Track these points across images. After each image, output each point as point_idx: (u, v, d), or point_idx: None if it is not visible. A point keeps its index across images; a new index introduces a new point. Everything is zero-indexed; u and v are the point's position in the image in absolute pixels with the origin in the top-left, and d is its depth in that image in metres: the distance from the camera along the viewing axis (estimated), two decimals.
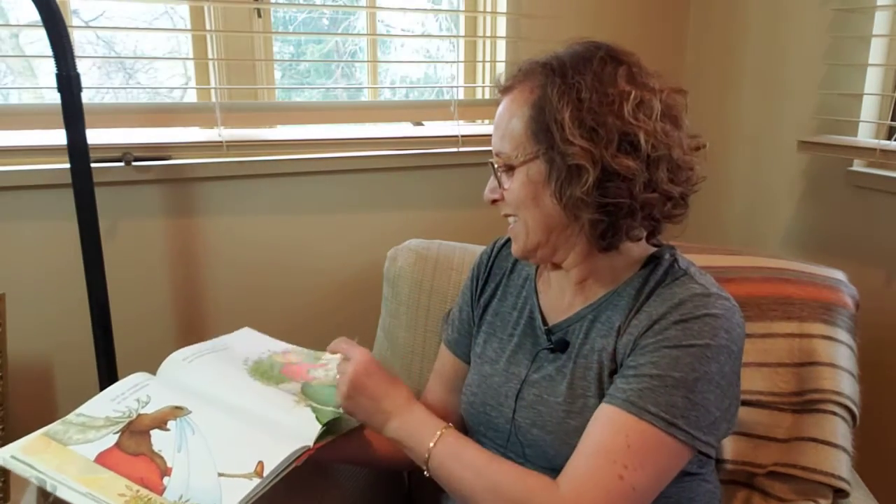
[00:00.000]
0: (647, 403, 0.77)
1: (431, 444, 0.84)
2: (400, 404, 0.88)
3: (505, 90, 0.89)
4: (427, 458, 0.84)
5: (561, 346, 0.90)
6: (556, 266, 0.92)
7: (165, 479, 0.78)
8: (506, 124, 0.87)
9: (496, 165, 0.89)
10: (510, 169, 0.87)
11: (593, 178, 0.79)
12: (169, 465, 0.80)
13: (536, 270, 0.99)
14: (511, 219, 0.90)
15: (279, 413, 0.88)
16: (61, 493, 0.78)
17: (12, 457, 0.82)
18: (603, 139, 0.79)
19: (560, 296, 0.93)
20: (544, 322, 0.94)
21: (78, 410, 0.88)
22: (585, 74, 0.81)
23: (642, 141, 0.79)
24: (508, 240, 1.05)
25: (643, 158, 0.80)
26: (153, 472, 0.79)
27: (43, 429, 0.86)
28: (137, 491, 0.77)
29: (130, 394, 0.90)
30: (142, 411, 0.87)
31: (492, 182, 0.91)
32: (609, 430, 0.79)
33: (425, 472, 0.85)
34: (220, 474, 0.79)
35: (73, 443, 0.83)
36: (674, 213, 0.85)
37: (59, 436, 0.84)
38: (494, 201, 0.91)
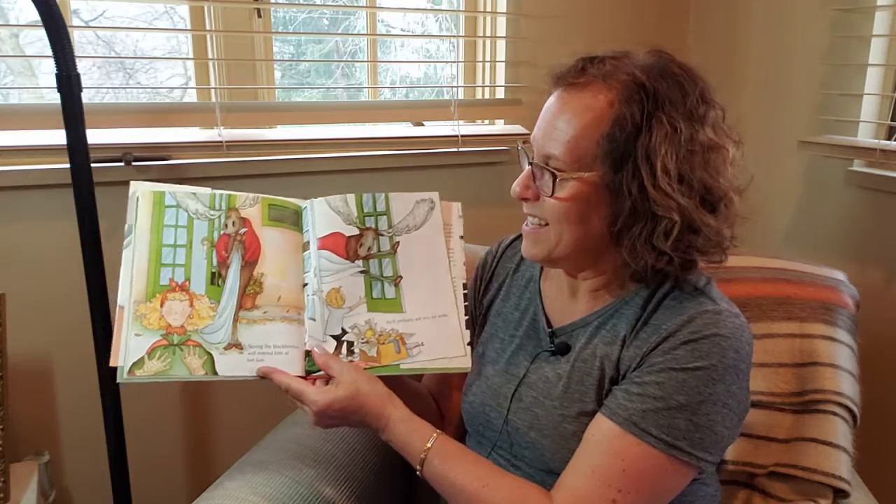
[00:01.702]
0: (650, 425, 0.77)
1: (419, 468, 0.85)
2: (377, 427, 0.87)
3: (570, 86, 0.81)
4: (420, 473, 0.85)
5: (562, 350, 0.89)
6: (571, 275, 0.91)
7: (198, 303, 0.88)
8: (566, 127, 0.79)
9: (551, 168, 0.80)
10: (564, 177, 0.80)
11: (677, 231, 0.77)
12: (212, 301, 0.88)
13: (541, 272, 0.98)
14: (533, 219, 0.86)
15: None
16: (125, 252, 0.88)
17: (138, 195, 0.91)
18: (692, 191, 0.77)
19: (566, 299, 0.93)
20: (549, 324, 0.93)
21: (200, 198, 0.93)
22: (680, 110, 0.77)
23: (726, 199, 0.79)
24: (513, 240, 1.05)
25: (720, 214, 0.80)
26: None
27: (169, 189, 0.92)
28: (173, 289, 0.87)
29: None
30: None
31: (526, 177, 0.84)
32: (607, 450, 0.79)
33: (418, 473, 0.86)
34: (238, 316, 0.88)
35: (164, 223, 0.90)
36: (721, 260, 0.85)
37: (170, 214, 0.91)
38: (525, 199, 0.85)
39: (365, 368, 0.90)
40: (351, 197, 0.95)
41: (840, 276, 1.20)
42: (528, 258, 0.89)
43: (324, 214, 0.94)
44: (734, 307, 0.84)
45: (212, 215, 0.92)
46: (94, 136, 1.23)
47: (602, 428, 0.80)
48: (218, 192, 0.93)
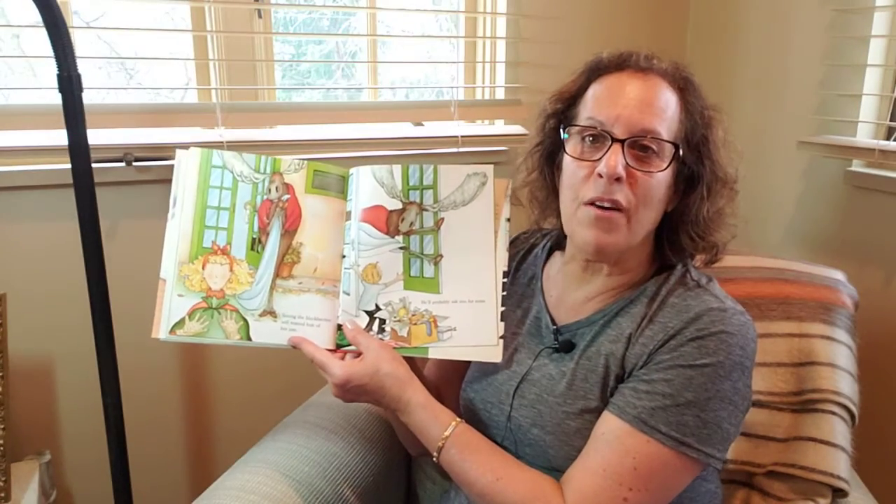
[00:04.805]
0: (659, 423, 0.78)
1: (436, 455, 0.85)
2: (397, 408, 0.88)
3: (644, 70, 0.84)
4: (437, 460, 0.86)
5: (566, 347, 0.90)
6: (609, 272, 0.90)
7: (238, 268, 0.89)
8: (662, 104, 0.83)
9: (670, 141, 0.82)
10: (662, 156, 0.82)
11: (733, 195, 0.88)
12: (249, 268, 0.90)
13: (542, 270, 0.99)
14: (605, 204, 0.81)
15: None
16: (170, 224, 0.89)
17: (184, 158, 0.91)
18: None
19: (572, 297, 0.93)
20: (553, 322, 0.93)
21: (246, 160, 0.92)
22: (712, 111, 0.88)
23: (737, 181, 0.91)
24: (516, 238, 1.06)
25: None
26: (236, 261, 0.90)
27: (217, 153, 0.92)
28: (215, 252, 0.89)
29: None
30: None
31: (618, 156, 0.80)
32: (617, 449, 0.79)
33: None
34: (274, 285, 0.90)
35: (210, 184, 0.90)
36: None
37: (216, 175, 0.91)
38: (619, 179, 0.80)
39: (394, 348, 0.90)
40: (397, 168, 0.92)
41: (839, 275, 1.20)
42: (600, 247, 0.83)
43: (368, 185, 0.92)
44: (738, 305, 0.85)
45: (256, 178, 0.91)
46: (95, 136, 1.23)
47: (611, 426, 0.80)
48: (263, 155, 0.93)
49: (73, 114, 1.12)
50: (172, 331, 0.86)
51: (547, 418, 0.87)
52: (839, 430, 1.08)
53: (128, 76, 1.54)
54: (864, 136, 1.52)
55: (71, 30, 1.15)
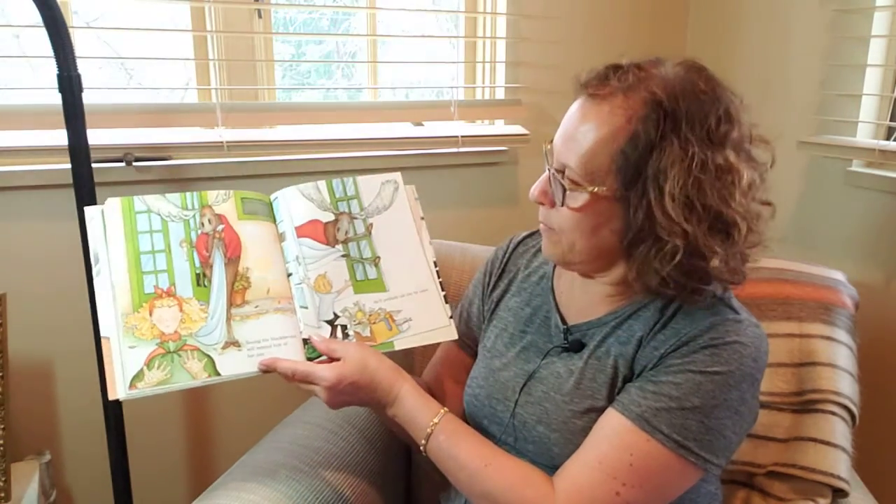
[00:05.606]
0: (661, 423, 0.78)
1: (424, 442, 0.86)
2: (387, 401, 0.88)
3: (592, 96, 0.80)
4: (424, 449, 0.86)
5: (576, 347, 0.90)
6: (588, 277, 0.90)
7: (187, 307, 0.87)
8: (583, 139, 0.79)
9: (563, 181, 0.81)
10: (576, 189, 0.80)
11: (681, 256, 0.76)
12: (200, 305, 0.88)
13: (554, 269, 0.99)
14: (543, 225, 0.88)
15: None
16: (97, 280, 0.85)
17: (104, 210, 0.88)
18: (699, 217, 0.75)
19: (582, 297, 0.93)
20: (563, 321, 0.93)
21: (170, 199, 0.92)
22: (698, 131, 0.75)
23: (738, 226, 0.77)
24: (525, 237, 1.06)
25: (732, 240, 0.77)
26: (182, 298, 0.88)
27: (137, 196, 0.90)
28: (159, 296, 0.86)
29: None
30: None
31: (544, 182, 0.85)
32: (616, 444, 0.79)
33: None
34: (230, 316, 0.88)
35: (138, 230, 0.89)
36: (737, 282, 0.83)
37: (142, 220, 0.90)
38: (541, 203, 0.86)
39: None
40: (322, 183, 0.97)
41: (839, 276, 1.20)
42: (546, 257, 0.91)
43: (298, 203, 0.96)
44: (752, 316, 0.85)
45: (185, 215, 0.91)
46: (96, 136, 1.23)
47: (613, 422, 0.81)
48: (188, 192, 0.93)
49: (73, 114, 1.13)
50: (132, 385, 0.81)
51: (553, 416, 0.87)
52: (839, 431, 1.08)
53: (128, 76, 1.54)
54: (864, 136, 1.52)
55: (71, 30, 1.15)
